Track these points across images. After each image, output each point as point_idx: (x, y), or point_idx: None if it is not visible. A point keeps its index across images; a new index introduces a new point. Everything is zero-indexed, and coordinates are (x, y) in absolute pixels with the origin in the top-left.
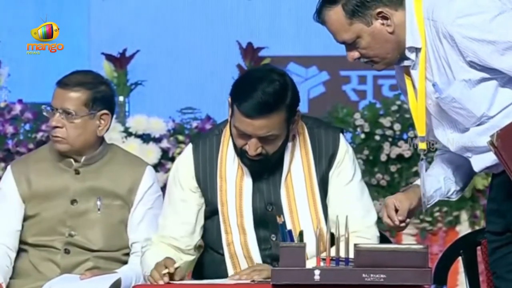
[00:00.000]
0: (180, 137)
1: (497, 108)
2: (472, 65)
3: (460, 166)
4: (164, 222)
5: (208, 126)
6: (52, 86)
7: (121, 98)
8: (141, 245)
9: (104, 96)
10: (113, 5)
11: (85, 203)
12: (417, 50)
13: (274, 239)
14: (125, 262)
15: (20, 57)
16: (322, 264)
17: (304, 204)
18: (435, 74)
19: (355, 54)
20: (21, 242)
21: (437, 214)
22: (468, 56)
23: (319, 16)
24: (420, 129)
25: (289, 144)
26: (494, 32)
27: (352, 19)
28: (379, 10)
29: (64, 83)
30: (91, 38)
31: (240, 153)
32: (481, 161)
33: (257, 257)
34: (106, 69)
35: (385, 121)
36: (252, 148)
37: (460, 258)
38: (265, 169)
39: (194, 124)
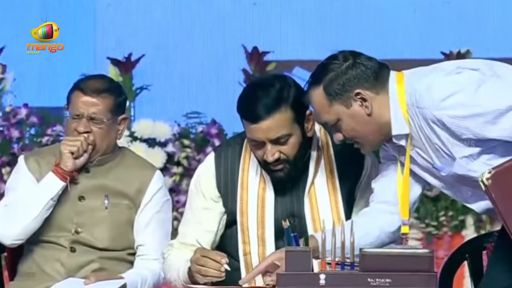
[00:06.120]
0: (186, 142)
1: None
2: (468, 142)
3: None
4: (185, 229)
5: (213, 131)
6: (58, 90)
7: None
8: (162, 253)
9: (124, 101)
10: (119, 9)
11: (92, 201)
12: (406, 136)
13: None
14: (130, 262)
15: (26, 61)
16: (327, 268)
17: (327, 216)
18: (433, 157)
19: (340, 136)
20: (27, 240)
21: (442, 218)
22: (462, 134)
23: (305, 96)
24: (404, 212)
25: (314, 154)
26: (480, 105)
27: (332, 101)
28: (357, 91)
29: (89, 90)
30: (97, 42)
31: (264, 165)
32: None
33: None
34: (111, 74)
35: None
36: (269, 153)
37: (465, 262)
38: (289, 178)
39: (200, 128)
